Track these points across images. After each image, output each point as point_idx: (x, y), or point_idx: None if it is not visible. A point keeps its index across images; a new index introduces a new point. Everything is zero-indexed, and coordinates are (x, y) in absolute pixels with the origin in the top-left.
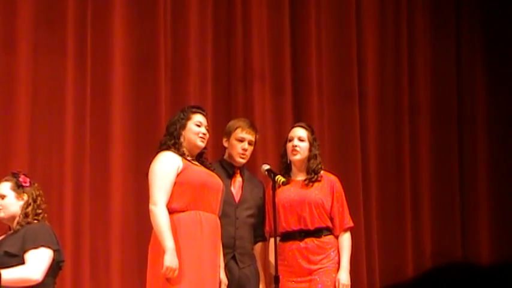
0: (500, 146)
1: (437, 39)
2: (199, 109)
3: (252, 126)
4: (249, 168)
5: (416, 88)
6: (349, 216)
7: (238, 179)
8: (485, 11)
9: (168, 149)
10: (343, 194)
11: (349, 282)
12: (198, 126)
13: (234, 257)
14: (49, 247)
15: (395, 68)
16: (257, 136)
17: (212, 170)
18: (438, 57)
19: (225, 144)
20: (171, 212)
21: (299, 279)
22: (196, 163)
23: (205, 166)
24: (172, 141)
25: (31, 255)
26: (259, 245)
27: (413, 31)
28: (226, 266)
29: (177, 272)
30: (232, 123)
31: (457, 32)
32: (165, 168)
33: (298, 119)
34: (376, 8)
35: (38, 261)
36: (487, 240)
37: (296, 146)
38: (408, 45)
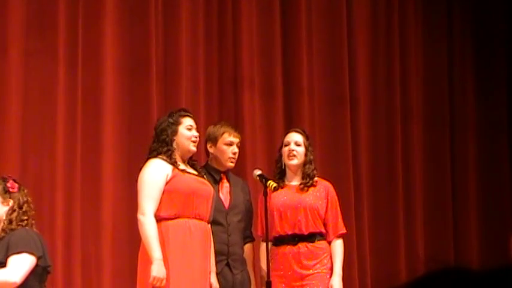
0: (491, 150)
1: (429, 44)
2: (187, 112)
3: (236, 129)
4: (239, 172)
5: (408, 93)
6: (342, 222)
7: (226, 184)
8: (477, 16)
9: (158, 155)
10: (337, 201)
11: None
12: (189, 130)
13: (228, 264)
14: (32, 253)
15: (387, 72)
16: (240, 138)
17: (202, 176)
18: (430, 62)
19: (211, 150)
20: (160, 220)
21: (291, 284)
22: (188, 170)
23: (196, 170)
24: (165, 148)
25: (12, 260)
26: (248, 246)
27: (405, 35)
28: (220, 273)
29: (164, 281)
30: (216, 128)
31: (449, 37)
32: (154, 176)
33: (290, 124)
34: (368, 13)
35: (18, 265)
36: (478, 243)
37: (293, 150)
38: (400, 49)
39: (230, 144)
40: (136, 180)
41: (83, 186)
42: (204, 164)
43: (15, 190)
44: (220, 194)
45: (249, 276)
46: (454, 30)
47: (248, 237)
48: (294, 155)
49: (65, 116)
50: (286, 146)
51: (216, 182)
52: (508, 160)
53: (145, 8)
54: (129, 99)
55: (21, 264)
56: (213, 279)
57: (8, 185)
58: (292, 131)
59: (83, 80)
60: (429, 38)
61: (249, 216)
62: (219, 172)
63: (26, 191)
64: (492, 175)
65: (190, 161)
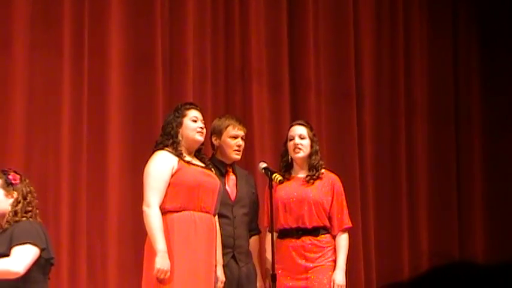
0: (496, 146)
1: (434, 40)
2: (192, 105)
3: (241, 122)
4: (247, 166)
5: (413, 88)
6: (348, 216)
7: (232, 177)
8: (482, 12)
9: (164, 148)
10: (343, 194)
11: (344, 283)
12: (195, 121)
13: (233, 256)
14: (35, 244)
15: (392, 68)
16: (245, 131)
17: (210, 169)
18: (435, 58)
19: (216, 142)
20: (165, 212)
21: (295, 276)
22: (194, 162)
23: (204, 163)
24: (171, 140)
25: (16, 250)
26: (253, 238)
27: (410, 32)
28: (226, 265)
29: (168, 273)
30: (221, 121)
31: (454, 32)
32: (159, 168)
33: (296, 118)
34: (373, 9)
35: (21, 255)
36: (483, 239)
37: (298, 144)
38: (405, 45)
39: (235, 137)
40: (142, 174)
41: (88, 180)
42: (210, 157)
43: (18, 182)
44: (227, 187)
45: (255, 269)
46: (459, 26)
47: (254, 230)
48: (300, 149)
49: (70, 110)
50: (291, 140)
51: (222, 174)
52: None
53: (152, 2)
54: (134, 93)
55: (24, 255)
56: (219, 272)
57: (10, 177)
58: (295, 124)
59: (89, 74)
60: (434, 34)
61: (254, 208)
62: (224, 165)
63: (27, 181)
64: (498, 170)
65: (199, 155)
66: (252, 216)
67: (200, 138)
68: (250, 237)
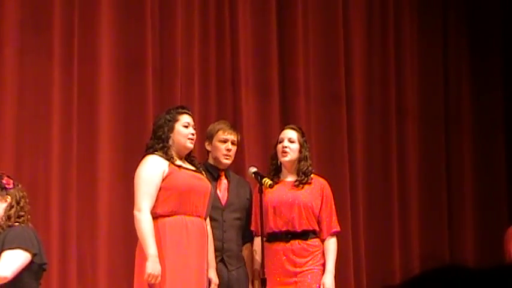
0: (487, 147)
1: (424, 43)
2: (184, 109)
3: (233, 127)
4: (237, 170)
5: (404, 90)
6: (336, 221)
7: (224, 182)
8: (472, 13)
9: (154, 152)
10: (332, 199)
11: (333, 286)
12: (186, 127)
13: (222, 260)
14: (27, 250)
15: (382, 70)
16: (239, 137)
17: (201, 172)
18: (425, 59)
19: (208, 147)
20: (156, 217)
21: (284, 281)
22: (185, 165)
23: (194, 166)
24: (161, 144)
25: (5, 255)
26: (247, 246)
27: (400, 34)
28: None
29: (159, 278)
30: (213, 126)
31: (444, 34)
32: (150, 173)
33: (286, 122)
34: (363, 11)
35: (10, 260)
36: (474, 241)
37: (286, 147)
38: (395, 47)
39: (224, 141)
40: (133, 178)
41: (78, 184)
42: (204, 162)
43: (11, 186)
44: (218, 191)
45: (246, 273)
46: (449, 29)
47: (248, 237)
48: (287, 152)
49: (60, 114)
50: (280, 142)
51: (214, 179)
52: (503, 159)
53: (141, 6)
54: (124, 98)
55: (13, 260)
56: (212, 275)
57: (4, 181)
58: (287, 128)
59: (79, 78)
60: (424, 37)
61: (248, 216)
62: (217, 169)
63: (20, 186)
64: (488, 174)
65: (189, 158)
66: (245, 222)
67: (190, 145)
68: (243, 244)
